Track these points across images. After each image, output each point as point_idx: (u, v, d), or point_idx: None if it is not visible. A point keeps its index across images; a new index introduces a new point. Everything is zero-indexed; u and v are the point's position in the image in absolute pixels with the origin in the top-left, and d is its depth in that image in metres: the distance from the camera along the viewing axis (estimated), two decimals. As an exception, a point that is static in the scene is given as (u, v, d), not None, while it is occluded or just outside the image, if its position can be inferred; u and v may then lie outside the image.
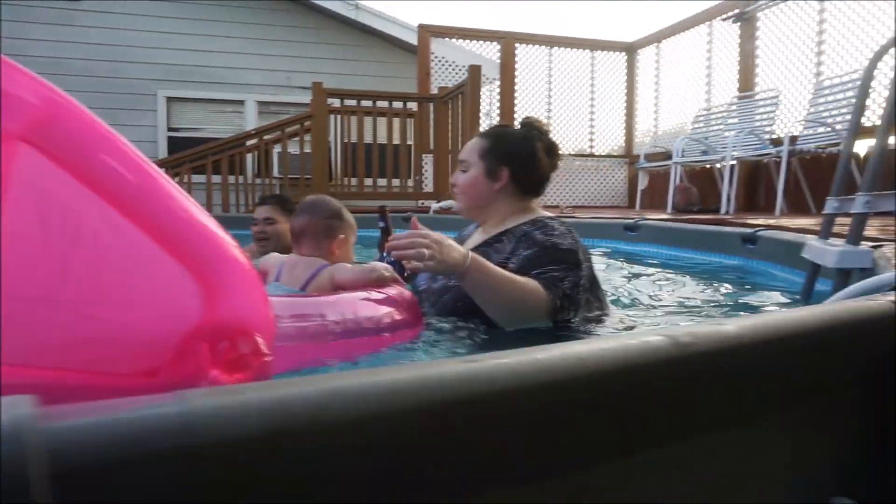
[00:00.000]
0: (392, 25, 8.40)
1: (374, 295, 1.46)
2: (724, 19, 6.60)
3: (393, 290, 1.51)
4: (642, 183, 6.75)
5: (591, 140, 8.17)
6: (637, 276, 2.92)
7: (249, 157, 6.98)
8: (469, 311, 1.52)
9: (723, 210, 5.21)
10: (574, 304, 1.51)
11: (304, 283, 1.53)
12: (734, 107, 6.32)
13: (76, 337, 0.78)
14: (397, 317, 1.43)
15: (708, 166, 6.38)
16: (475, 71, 5.38)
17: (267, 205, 3.06)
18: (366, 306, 1.39)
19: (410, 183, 6.99)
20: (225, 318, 0.84)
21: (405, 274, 1.90)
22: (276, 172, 7.44)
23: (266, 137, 6.75)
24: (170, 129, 8.43)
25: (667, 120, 7.71)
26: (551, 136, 1.78)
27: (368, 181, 6.73)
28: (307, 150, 6.67)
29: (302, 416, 0.40)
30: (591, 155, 8.10)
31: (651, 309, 2.13)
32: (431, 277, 1.75)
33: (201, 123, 8.57)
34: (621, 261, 3.46)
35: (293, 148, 7.09)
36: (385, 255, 1.91)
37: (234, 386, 0.42)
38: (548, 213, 1.72)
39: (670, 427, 0.56)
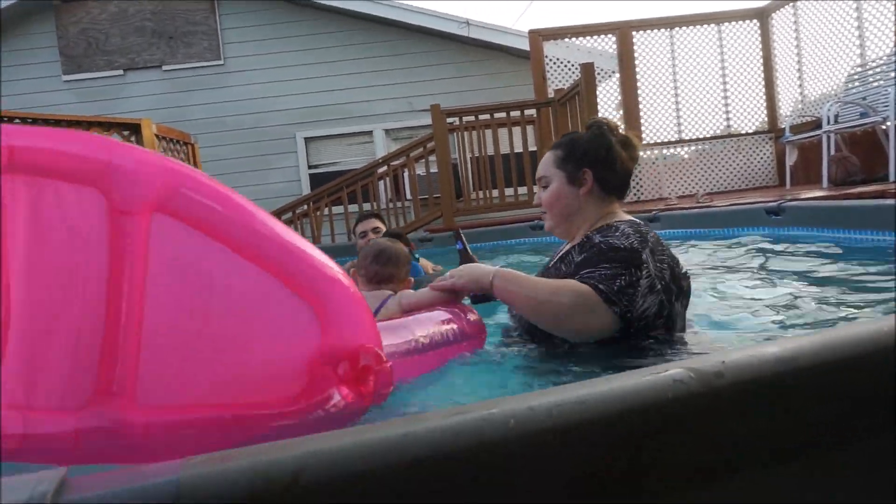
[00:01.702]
0: (503, 35, 8.44)
1: (438, 314, 1.53)
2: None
3: (453, 308, 1.60)
4: (791, 158, 6.14)
5: (728, 119, 7.59)
6: (770, 270, 2.65)
7: (381, 183, 7.33)
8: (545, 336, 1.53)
9: (892, 177, 4.60)
10: (632, 303, 1.39)
11: (373, 314, 1.62)
12: None
13: (225, 376, 0.90)
14: (460, 329, 1.50)
15: (870, 129, 5.66)
16: (588, 69, 5.25)
17: (371, 217, 3.55)
18: (433, 324, 1.46)
19: (536, 189, 6.95)
20: (340, 339, 0.94)
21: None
22: (407, 195, 7.74)
23: (394, 164, 7.05)
24: (310, 167, 9.10)
25: (814, 86, 6.95)
26: (622, 131, 1.71)
27: (497, 192, 6.76)
28: (434, 169, 6.88)
29: (282, 478, 0.43)
30: (730, 135, 7.52)
31: (777, 313, 1.93)
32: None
33: (337, 157, 9.15)
34: (758, 253, 3.17)
35: (421, 169, 7.34)
36: None
37: (224, 452, 0.45)
38: (626, 217, 1.64)
39: (692, 475, 0.51)
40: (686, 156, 7.55)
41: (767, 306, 2.04)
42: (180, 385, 0.88)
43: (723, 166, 7.42)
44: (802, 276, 2.54)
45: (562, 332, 1.46)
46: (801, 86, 7.11)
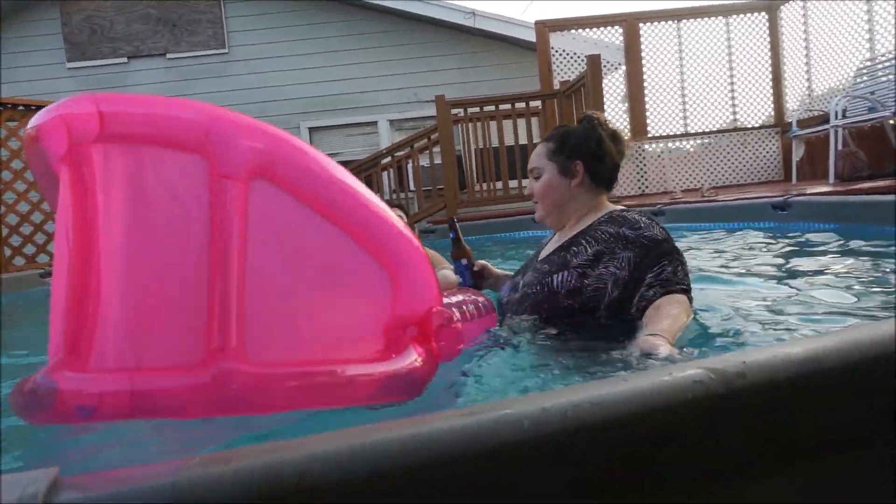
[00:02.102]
0: (509, 26, 8.37)
1: (455, 297, 1.56)
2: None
3: (466, 291, 1.64)
4: (797, 153, 6.09)
5: (735, 113, 7.54)
6: (775, 266, 2.63)
7: (385, 174, 7.29)
8: (550, 317, 1.57)
9: (899, 173, 4.56)
10: (690, 289, 1.52)
11: None
12: (905, 53, 5.50)
13: (319, 334, 0.95)
14: (476, 308, 1.54)
15: (878, 124, 5.60)
16: (594, 60, 5.20)
17: (392, 208, 3.52)
18: (460, 300, 1.52)
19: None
20: (415, 301, 1.00)
21: (475, 282, 1.98)
22: (411, 186, 7.71)
23: (398, 154, 7.02)
24: (314, 158, 9.07)
25: (822, 80, 6.89)
26: (609, 123, 1.76)
27: (501, 185, 6.72)
28: (438, 160, 6.84)
29: (285, 482, 0.41)
30: (736, 129, 7.47)
31: (779, 314, 1.90)
32: (512, 288, 1.76)
33: (340, 147, 9.11)
34: (764, 250, 3.14)
35: (425, 160, 7.31)
36: (456, 263, 2.00)
37: (223, 453, 0.43)
38: (618, 206, 1.70)
39: (710, 476, 0.49)
40: (692, 149, 7.50)
41: (766, 301, 2.02)
42: (282, 342, 0.92)
43: (729, 160, 7.37)
44: (808, 272, 2.51)
45: None
46: (808, 80, 7.05)
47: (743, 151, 7.38)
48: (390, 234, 1.01)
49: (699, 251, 3.46)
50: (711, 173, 7.37)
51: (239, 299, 0.88)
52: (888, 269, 2.28)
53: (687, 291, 1.50)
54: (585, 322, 1.54)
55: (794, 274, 2.46)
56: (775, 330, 1.62)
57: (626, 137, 7.44)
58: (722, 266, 2.89)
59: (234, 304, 0.87)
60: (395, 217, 1.05)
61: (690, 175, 7.37)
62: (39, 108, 4.33)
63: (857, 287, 2.07)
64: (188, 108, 0.94)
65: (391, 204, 3.93)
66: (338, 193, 0.98)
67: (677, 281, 1.48)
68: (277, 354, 0.91)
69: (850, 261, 2.60)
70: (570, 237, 1.66)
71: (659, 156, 7.50)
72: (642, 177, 7.38)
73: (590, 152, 1.67)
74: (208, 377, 0.83)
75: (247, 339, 0.87)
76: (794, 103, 7.29)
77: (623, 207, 1.69)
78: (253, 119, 0.97)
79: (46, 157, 0.89)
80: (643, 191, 7.27)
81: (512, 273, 1.95)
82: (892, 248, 2.70)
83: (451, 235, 1.91)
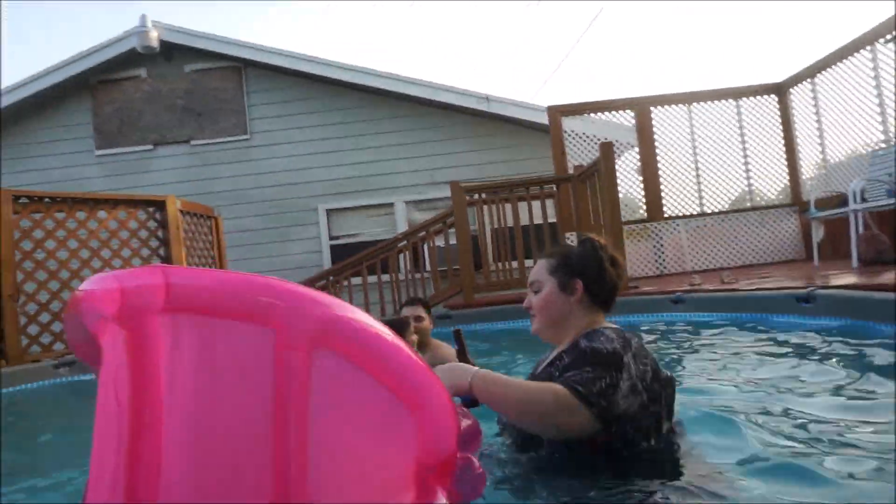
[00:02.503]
0: (522, 110, 8.58)
1: None
2: (886, 42, 5.88)
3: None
4: (817, 234, 6.01)
5: (750, 192, 7.53)
6: (795, 377, 2.51)
7: (400, 256, 7.32)
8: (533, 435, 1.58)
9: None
10: (611, 404, 1.45)
11: None
12: (919, 135, 5.49)
13: (367, 490, 0.96)
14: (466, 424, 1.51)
15: (898, 206, 5.54)
16: (607, 148, 5.26)
17: (415, 304, 3.74)
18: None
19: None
20: (436, 447, 1.02)
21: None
22: (426, 266, 7.72)
23: (413, 239, 7.07)
24: (331, 238, 9.17)
25: (837, 158, 6.89)
26: (608, 247, 1.79)
27: (516, 264, 6.69)
28: (453, 241, 6.87)
29: None
30: (753, 208, 7.44)
31: (797, 428, 1.80)
32: None
33: (358, 228, 9.23)
34: (787, 348, 3.03)
35: (441, 241, 7.34)
36: None
37: None
38: (610, 325, 1.72)
39: None
40: (709, 228, 7.46)
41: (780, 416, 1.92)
42: (334, 488, 0.94)
43: (747, 239, 7.31)
44: (827, 379, 2.40)
45: (543, 433, 1.54)
46: (823, 158, 7.06)
47: (761, 230, 7.32)
48: (422, 382, 1.04)
49: (721, 350, 3.36)
50: (730, 252, 7.30)
51: (303, 470, 0.90)
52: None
53: (583, 398, 1.42)
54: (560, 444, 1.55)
55: (817, 387, 2.36)
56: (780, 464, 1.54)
57: (642, 216, 7.46)
58: (740, 369, 2.78)
59: (297, 475, 0.90)
60: (422, 361, 1.08)
61: (709, 254, 7.31)
62: (64, 199, 4.41)
63: (867, 395, 1.97)
64: (254, 283, 0.98)
65: (414, 300, 3.87)
66: (384, 352, 1.02)
67: (582, 383, 1.44)
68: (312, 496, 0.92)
69: (872, 359, 2.50)
70: (559, 352, 1.69)
71: (676, 234, 7.47)
72: (660, 256, 7.32)
73: (590, 272, 1.73)
74: None
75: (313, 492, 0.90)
76: (810, 182, 7.27)
77: (613, 326, 1.70)
78: (307, 289, 1.02)
79: (90, 319, 0.92)
80: (661, 271, 7.20)
81: None
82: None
83: (456, 346, 1.87)
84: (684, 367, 3.02)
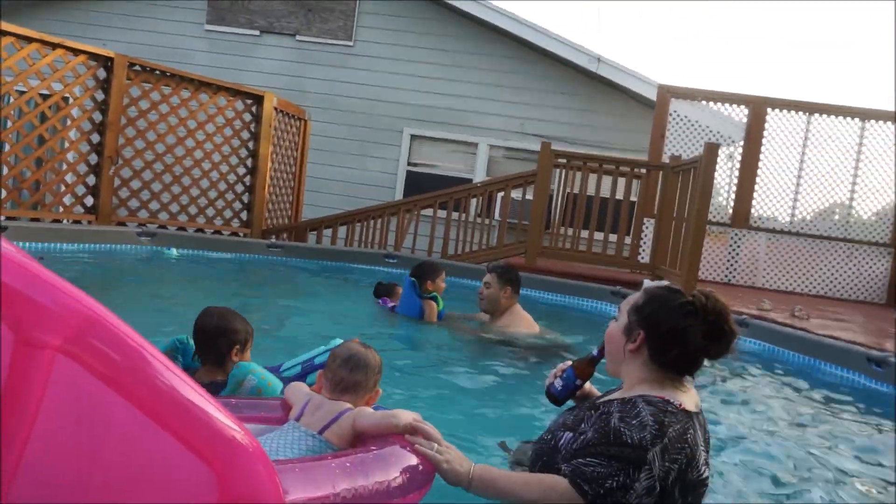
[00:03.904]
0: (633, 80, 8.20)
1: (383, 455, 1.42)
2: None
3: (402, 447, 1.47)
4: (907, 285, 5.71)
5: (848, 220, 7.14)
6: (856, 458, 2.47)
7: (474, 199, 7.31)
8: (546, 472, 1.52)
9: None
10: None
11: (322, 427, 1.54)
12: None
13: None
14: (409, 477, 1.39)
15: None
16: (711, 149, 5.04)
17: (491, 273, 3.85)
18: (369, 471, 1.35)
19: (628, 241, 6.73)
20: (237, 497, 0.94)
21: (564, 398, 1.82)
22: (496, 215, 7.72)
23: (490, 189, 7.04)
24: (409, 164, 9.21)
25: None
26: (723, 317, 1.50)
27: (585, 234, 6.60)
28: (528, 196, 6.82)
29: None
30: (845, 238, 7.07)
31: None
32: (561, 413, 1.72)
33: (437, 160, 9.22)
34: (847, 414, 2.96)
35: (516, 193, 7.29)
36: (568, 371, 1.79)
37: None
38: (667, 397, 1.47)
39: None
40: (793, 247, 7.14)
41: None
42: None
43: (830, 269, 7.00)
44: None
45: None
46: (938, 206, 6.60)
47: (847, 263, 6.98)
48: (210, 429, 0.95)
49: (770, 391, 3.32)
50: (808, 279, 7.02)
51: (9, 471, 0.85)
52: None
53: (588, 498, 1.36)
54: None
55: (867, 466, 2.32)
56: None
57: (725, 223, 7.18)
58: (785, 424, 2.76)
59: (6, 475, 0.84)
60: (218, 411, 0.97)
61: (784, 275, 7.05)
62: (173, 75, 4.62)
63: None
64: (11, 269, 0.89)
65: (491, 268, 3.91)
66: (151, 384, 0.92)
67: (591, 479, 1.37)
68: None
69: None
70: (607, 399, 1.59)
71: (755, 245, 7.21)
72: (732, 264, 7.11)
73: (660, 331, 1.52)
74: None
75: None
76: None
77: (666, 398, 1.46)
78: (76, 291, 0.93)
79: None
80: (729, 280, 7.01)
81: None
82: None
83: (595, 353, 1.76)
84: (724, 402, 2.99)
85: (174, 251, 5.50)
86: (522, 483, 1.47)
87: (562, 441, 1.54)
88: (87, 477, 0.90)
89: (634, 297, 1.63)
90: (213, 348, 2.02)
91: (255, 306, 4.13)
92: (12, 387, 0.86)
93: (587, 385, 1.84)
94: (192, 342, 2.08)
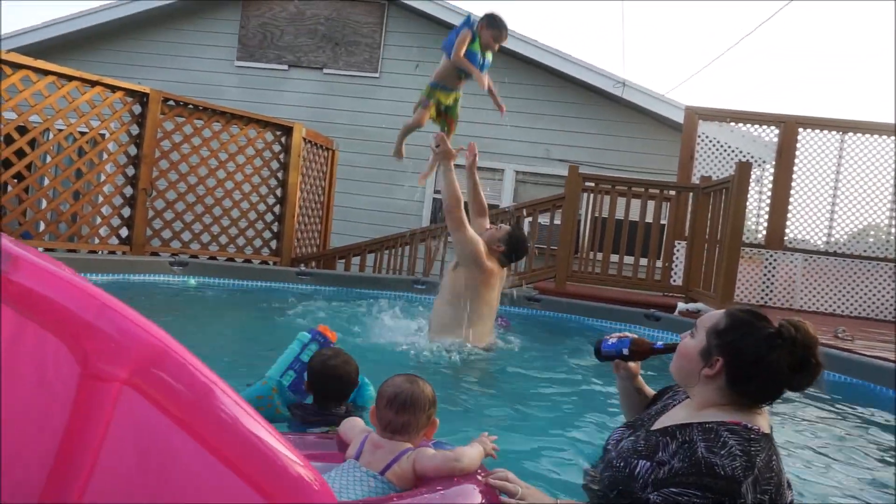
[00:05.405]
0: (658, 103, 8.19)
1: (461, 492, 1.36)
2: None
3: (473, 486, 1.41)
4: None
5: (889, 241, 6.93)
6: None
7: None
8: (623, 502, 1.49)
9: None
10: None
11: (383, 468, 1.48)
12: None
13: None
14: None
15: None
16: (744, 169, 4.96)
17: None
18: None
19: (659, 264, 6.62)
20: None
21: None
22: (523, 241, 7.68)
23: (518, 213, 7.02)
24: (436, 191, 9.26)
25: None
26: (812, 349, 1.42)
27: (615, 258, 6.53)
28: (556, 221, 6.78)
29: None
30: (886, 259, 6.86)
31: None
32: (619, 437, 1.68)
33: (464, 187, 9.23)
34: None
35: (543, 219, 7.27)
36: (620, 342, 1.85)
37: None
38: (745, 422, 1.42)
39: None
40: (831, 268, 6.95)
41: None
42: None
43: (870, 291, 6.78)
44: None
45: None
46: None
47: (890, 286, 6.76)
48: (272, 466, 0.92)
49: (818, 419, 3.18)
50: (847, 301, 6.80)
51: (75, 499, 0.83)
52: None
53: None
54: None
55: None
56: None
57: (759, 244, 7.04)
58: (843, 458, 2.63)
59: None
60: (282, 445, 0.94)
61: (823, 297, 6.85)
62: (205, 109, 4.76)
63: None
64: (80, 299, 0.88)
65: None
66: (215, 418, 0.90)
67: None
68: None
69: None
70: (679, 425, 1.50)
71: (791, 266, 7.03)
72: (768, 287, 6.93)
73: (741, 361, 1.44)
74: None
75: None
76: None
77: (749, 426, 1.40)
78: (143, 321, 0.91)
79: None
80: (765, 302, 6.83)
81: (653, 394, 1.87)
82: None
83: (659, 345, 1.77)
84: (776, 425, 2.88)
85: (192, 280, 5.55)
86: None
87: (637, 469, 1.48)
88: None
89: (715, 317, 1.54)
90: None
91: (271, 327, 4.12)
92: (78, 420, 0.85)
93: (640, 380, 1.88)
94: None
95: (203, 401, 0.90)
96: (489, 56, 4.00)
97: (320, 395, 2.13)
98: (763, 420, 1.46)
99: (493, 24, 3.91)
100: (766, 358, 1.40)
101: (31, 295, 0.86)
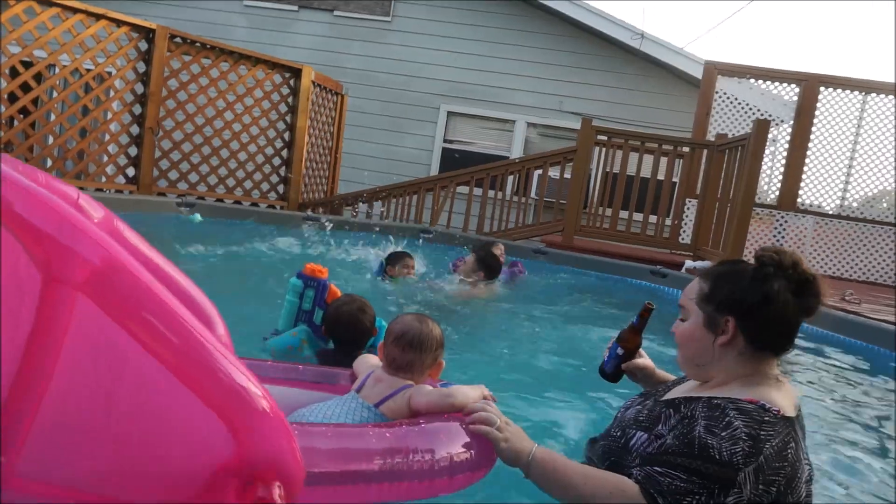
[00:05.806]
0: (677, 57, 7.96)
1: (439, 428, 1.34)
2: None
3: (458, 423, 1.38)
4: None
5: (902, 206, 6.83)
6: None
7: (511, 176, 7.21)
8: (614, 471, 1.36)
9: None
10: None
11: (379, 401, 1.49)
12: None
13: (113, 466, 0.91)
14: (458, 457, 1.29)
15: None
16: (762, 127, 4.85)
17: (471, 253, 4.17)
18: (423, 441, 1.27)
19: (668, 222, 6.56)
20: (252, 458, 0.92)
21: (614, 374, 1.72)
22: (533, 193, 7.61)
23: (529, 165, 6.93)
24: (445, 141, 9.13)
25: None
26: (801, 266, 1.32)
27: (625, 214, 6.47)
28: (566, 174, 6.70)
29: None
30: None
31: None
32: (626, 407, 1.56)
33: (473, 138, 9.12)
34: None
35: (553, 172, 7.18)
36: (612, 345, 1.72)
37: None
38: (763, 401, 1.27)
39: None
40: (842, 232, 6.87)
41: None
42: (66, 466, 0.89)
43: (882, 256, 6.72)
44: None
45: None
46: None
47: (899, 249, 6.70)
48: (228, 387, 0.94)
49: (819, 387, 3.18)
50: (857, 265, 6.75)
51: (32, 406, 0.87)
52: None
53: None
54: None
55: None
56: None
57: (771, 205, 6.95)
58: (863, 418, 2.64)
59: (23, 408, 0.86)
60: (239, 371, 0.95)
61: (833, 261, 6.80)
62: (212, 48, 4.64)
63: None
64: (41, 209, 0.90)
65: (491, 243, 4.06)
66: (172, 332, 0.93)
67: (667, 492, 1.19)
68: (59, 476, 0.89)
69: None
70: (689, 395, 1.38)
71: (801, 228, 6.96)
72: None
73: (750, 310, 1.31)
74: None
75: (26, 452, 0.86)
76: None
77: (761, 403, 1.26)
78: (100, 234, 0.94)
79: None
80: (774, 263, 6.79)
81: (672, 379, 1.67)
82: None
83: (634, 321, 1.65)
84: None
85: (198, 216, 5.50)
86: (584, 476, 1.31)
87: (633, 441, 1.39)
88: (104, 417, 0.91)
89: (695, 287, 1.42)
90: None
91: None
92: (42, 321, 0.88)
93: (651, 364, 1.70)
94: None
95: (153, 312, 0.92)
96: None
97: (336, 340, 2.17)
98: (786, 398, 1.32)
99: (397, 258, 4.05)
100: (769, 293, 1.30)
101: (8, 207, 0.89)
